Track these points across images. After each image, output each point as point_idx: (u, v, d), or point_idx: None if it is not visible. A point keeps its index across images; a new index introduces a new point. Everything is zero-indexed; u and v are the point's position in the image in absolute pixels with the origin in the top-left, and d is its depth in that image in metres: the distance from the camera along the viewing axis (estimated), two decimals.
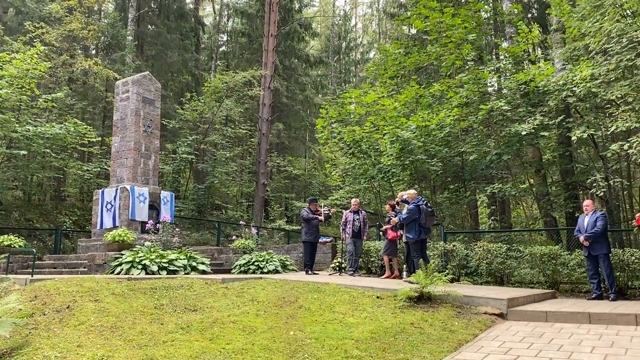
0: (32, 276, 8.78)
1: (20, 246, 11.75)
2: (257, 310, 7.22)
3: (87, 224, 17.79)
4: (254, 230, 14.39)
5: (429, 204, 10.16)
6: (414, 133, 14.12)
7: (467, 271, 11.31)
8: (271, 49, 25.61)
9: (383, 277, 11.33)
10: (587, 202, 9.47)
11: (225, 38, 37.64)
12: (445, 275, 8.04)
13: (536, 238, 15.50)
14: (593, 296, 8.97)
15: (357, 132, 15.38)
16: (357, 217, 11.93)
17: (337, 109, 17.27)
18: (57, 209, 19.20)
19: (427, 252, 10.62)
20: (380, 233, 12.18)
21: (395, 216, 10.88)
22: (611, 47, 11.09)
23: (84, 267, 11.01)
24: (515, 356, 5.33)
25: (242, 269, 11.72)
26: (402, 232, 10.70)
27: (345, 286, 8.70)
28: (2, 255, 9.43)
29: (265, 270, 11.53)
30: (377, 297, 7.86)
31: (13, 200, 18.53)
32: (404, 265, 10.91)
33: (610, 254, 9.08)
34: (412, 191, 10.53)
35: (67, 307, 6.55)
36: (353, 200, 12.43)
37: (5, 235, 11.88)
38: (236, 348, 5.64)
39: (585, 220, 9.21)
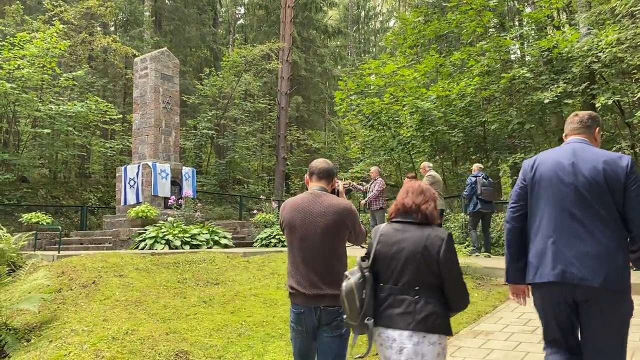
0: (59, 252, 9.01)
1: (47, 223, 12.06)
2: (277, 283, 7.32)
3: (112, 200, 18.13)
4: (275, 204, 14.48)
5: (487, 177, 10.06)
6: (434, 103, 13.92)
7: None
8: (289, 21, 25.29)
9: None
10: None
11: (242, 11, 37.26)
12: (466, 247, 8.03)
13: None
14: None
15: (376, 104, 15.23)
16: (372, 186, 11.78)
17: (355, 80, 17.07)
18: (82, 186, 19.58)
19: (449, 224, 10.56)
20: None
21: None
22: (639, 9, 10.70)
23: (109, 243, 11.25)
24: (535, 327, 5.32)
25: (264, 242, 11.84)
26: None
27: None
28: (30, 233, 9.68)
29: (286, 243, 11.60)
30: None
31: (39, 178, 18.95)
32: None
33: None
34: (477, 165, 10.44)
35: (93, 282, 6.73)
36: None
37: (33, 213, 12.21)
38: (257, 320, 5.75)
39: None
